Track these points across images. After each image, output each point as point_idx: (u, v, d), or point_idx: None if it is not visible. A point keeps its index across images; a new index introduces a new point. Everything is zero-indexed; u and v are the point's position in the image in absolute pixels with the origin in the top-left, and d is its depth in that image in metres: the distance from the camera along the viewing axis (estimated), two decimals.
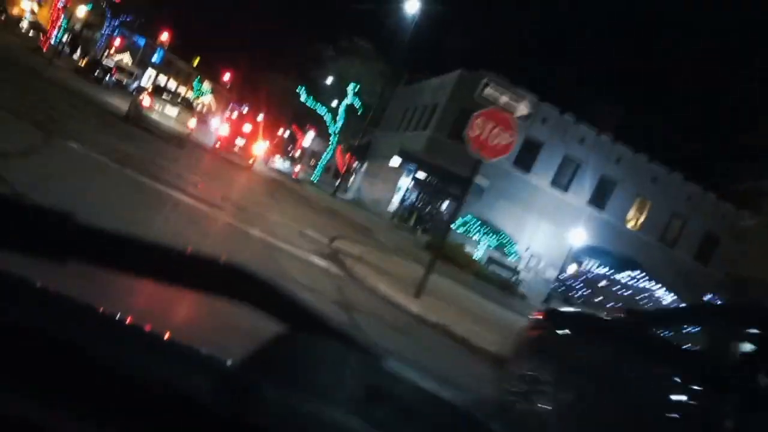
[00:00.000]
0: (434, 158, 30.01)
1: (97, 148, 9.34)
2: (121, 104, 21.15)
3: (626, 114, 34.95)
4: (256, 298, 0.56)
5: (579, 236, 28.71)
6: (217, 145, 22.29)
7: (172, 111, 16.19)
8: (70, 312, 0.53)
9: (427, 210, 31.03)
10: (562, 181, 31.53)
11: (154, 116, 15.80)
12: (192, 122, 16.97)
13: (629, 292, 27.89)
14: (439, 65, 43.86)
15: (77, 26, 44.76)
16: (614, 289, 28.21)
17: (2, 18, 41.53)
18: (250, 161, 22.13)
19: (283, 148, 36.06)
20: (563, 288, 27.82)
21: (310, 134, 69.85)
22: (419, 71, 41.07)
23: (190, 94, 76.60)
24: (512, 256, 26.44)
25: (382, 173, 36.54)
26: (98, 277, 0.61)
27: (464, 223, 25.71)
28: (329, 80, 41.55)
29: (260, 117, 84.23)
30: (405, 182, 33.12)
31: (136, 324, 0.57)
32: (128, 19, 45.10)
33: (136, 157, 10.51)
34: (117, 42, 66.35)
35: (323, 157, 38.19)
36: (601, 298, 26.62)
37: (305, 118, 68.75)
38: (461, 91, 30.98)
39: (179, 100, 17.75)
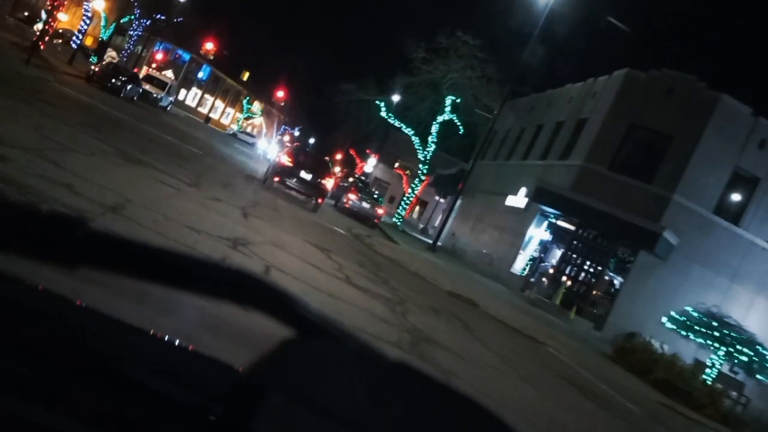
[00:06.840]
0: (587, 199, 19.82)
1: None
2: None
3: None
4: (266, 304, 0.56)
5: None
6: (276, 179, 15.72)
7: None
8: (79, 318, 0.55)
9: (581, 279, 20.63)
10: None
11: None
12: None
13: None
14: (555, 75, 33.78)
15: (104, 31, 37.10)
16: None
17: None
18: (318, 201, 16.42)
19: (357, 183, 26.08)
20: None
21: (372, 160, 60.28)
22: (527, 82, 31.05)
23: (238, 116, 68.80)
24: None
25: (492, 216, 26.47)
26: (110, 283, 0.62)
27: (680, 320, 15.28)
28: (411, 92, 31.98)
29: (312, 139, 75.40)
30: (537, 233, 22.92)
31: (145, 330, 0.58)
32: (160, 18, 36.60)
33: None
34: (159, 56, 59.17)
35: (410, 191, 28.45)
36: None
37: (364, 141, 59.25)
38: (630, 99, 20.80)
39: None
